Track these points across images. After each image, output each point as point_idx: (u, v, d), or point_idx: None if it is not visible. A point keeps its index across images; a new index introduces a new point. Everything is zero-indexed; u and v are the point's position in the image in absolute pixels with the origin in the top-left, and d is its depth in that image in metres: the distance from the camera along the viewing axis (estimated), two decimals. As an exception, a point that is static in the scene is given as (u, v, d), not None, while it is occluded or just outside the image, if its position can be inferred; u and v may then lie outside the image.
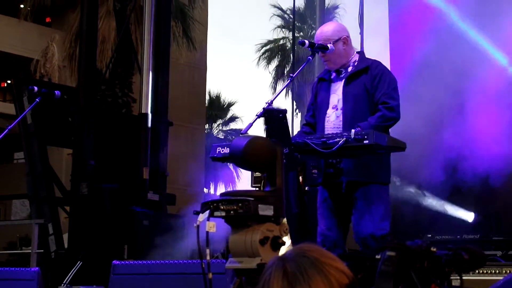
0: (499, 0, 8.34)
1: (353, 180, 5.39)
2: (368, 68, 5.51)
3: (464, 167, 8.05)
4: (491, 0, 8.43)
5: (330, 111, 5.58)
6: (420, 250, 2.06)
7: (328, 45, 5.51)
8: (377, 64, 5.58)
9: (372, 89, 5.44)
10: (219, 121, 42.89)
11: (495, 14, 8.12)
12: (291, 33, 39.10)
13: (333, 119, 5.55)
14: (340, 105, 5.53)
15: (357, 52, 5.71)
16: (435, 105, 8.07)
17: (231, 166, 38.11)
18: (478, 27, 8.18)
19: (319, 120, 5.63)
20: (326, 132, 5.45)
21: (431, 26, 8.58)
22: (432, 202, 8.55)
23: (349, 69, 5.61)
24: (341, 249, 5.53)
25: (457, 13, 8.30)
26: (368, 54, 5.77)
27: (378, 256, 2.01)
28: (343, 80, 5.58)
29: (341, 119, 5.48)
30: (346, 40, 5.62)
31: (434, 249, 2.20)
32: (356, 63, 5.60)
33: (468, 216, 8.52)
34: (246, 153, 3.95)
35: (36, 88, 7.38)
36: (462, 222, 8.42)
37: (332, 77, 5.69)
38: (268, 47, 41.29)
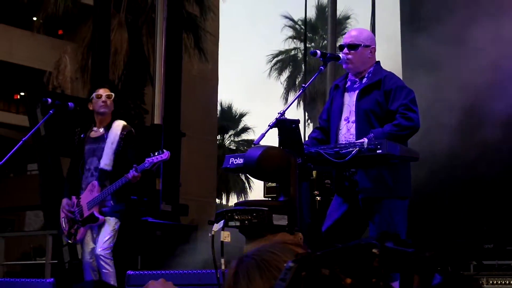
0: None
1: (369, 197, 5.37)
2: (381, 83, 5.47)
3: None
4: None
5: (342, 124, 5.56)
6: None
7: (360, 45, 5.52)
8: (390, 77, 5.53)
9: (387, 103, 5.40)
10: (231, 132, 42.92)
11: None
12: (302, 43, 39.18)
13: (344, 132, 5.54)
14: (352, 118, 5.52)
15: (375, 62, 5.70)
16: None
17: (243, 176, 38.16)
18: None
19: (332, 129, 5.63)
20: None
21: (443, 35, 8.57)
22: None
23: (364, 80, 5.59)
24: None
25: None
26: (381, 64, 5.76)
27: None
28: (356, 92, 5.57)
29: (352, 132, 5.47)
30: (373, 51, 5.63)
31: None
32: (371, 75, 5.59)
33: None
34: (261, 163, 3.98)
35: (50, 100, 7.42)
36: (477, 230, 8.39)
37: (347, 85, 5.68)
38: (279, 57, 41.37)
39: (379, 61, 5.68)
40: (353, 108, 5.52)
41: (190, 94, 22.54)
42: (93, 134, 7.00)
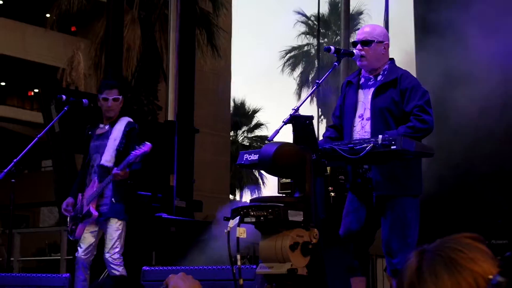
0: None
1: (383, 194, 5.37)
2: (397, 81, 5.46)
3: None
4: None
5: (356, 121, 5.55)
6: None
7: (373, 40, 5.52)
8: (406, 76, 5.51)
9: (402, 102, 5.39)
10: (244, 128, 42.92)
11: None
12: (315, 39, 39.14)
13: (358, 129, 5.52)
14: (366, 115, 5.50)
15: (389, 59, 5.70)
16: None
17: (257, 173, 38.17)
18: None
19: (346, 126, 5.62)
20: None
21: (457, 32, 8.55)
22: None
23: (379, 77, 5.59)
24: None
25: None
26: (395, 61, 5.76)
27: None
28: (372, 90, 5.56)
29: (366, 130, 5.46)
30: (387, 47, 5.62)
31: None
32: (386, 72, 5.58)
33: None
34: (276, 160, 3.98)
35: (64, 97, 7.45)
36: (490, 226, 8.37)
37: (361, 82, 5.67)
38: (292, 53, 41.38)
39: (393, 59, 5.67)
40: (368, 106, 5.50)
41: (203, 91, 22.58)
42: (98, 131, 7.05)
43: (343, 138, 5.61)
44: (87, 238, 6.90)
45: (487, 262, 1.74)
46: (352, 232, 5.51)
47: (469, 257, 1.75)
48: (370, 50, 5.54)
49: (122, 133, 6.91)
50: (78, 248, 6.95)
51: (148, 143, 6.64)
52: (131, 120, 7.09)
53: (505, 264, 1.63)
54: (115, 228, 6.77)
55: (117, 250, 6.72)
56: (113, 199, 6.81)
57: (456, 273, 1.73)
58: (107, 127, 7.02)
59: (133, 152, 6.60)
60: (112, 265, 6.72)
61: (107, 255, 6.73)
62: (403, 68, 5.65)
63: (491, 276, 1.65)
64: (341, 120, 5.71)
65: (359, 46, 5.56)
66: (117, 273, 6.63)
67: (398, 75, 5.49)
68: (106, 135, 6.96)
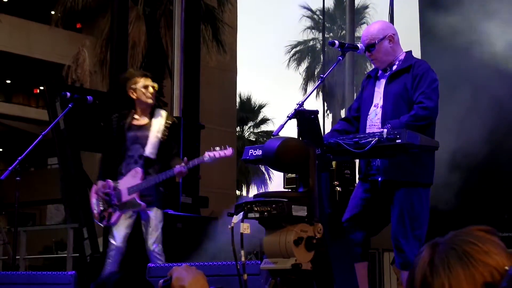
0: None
1: (389, 180, 5.36)
2: (411, 67, 5.47)
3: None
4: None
5: (372, 109, 5.60)
6: None
7: (375, 42, 5.54)
8: (420, 63, 5.54)
9: (412, 89, 5.41)
10: (250, 123, 42.95)
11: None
12: (321, 34, 39.11)
13: (372, 117, 5.56)
14: (380, 103, 5.54)
15: (405, 52, 5.69)
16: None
17: (263, 168, 38.16)
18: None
19: (363, 116, 5.67)
20: (367, 130, 5.48)
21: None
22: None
23: (394, 67, 5.61)
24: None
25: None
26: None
27: None
28: (386, 78, 5.59)
29: (379, 117, 5.48)
30: (392, 38, 5.62)
31: None
32: (401, 62, 5.59)
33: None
34: (279, 155, 3.96)
35: (68, 94, 7.46)
36: (496, 218, 8.34)
37: (378, 74, 5.71)
38: (298, 48, 41.39)
39: (411, 51, 5.69)
40: (382, 93, 5.54)
41: (209, 86, 22.57)
42: (136, 122, 7.09)
43: (353, 130, 5.67)
44: (122, 227, 6.97)
45: (500, 254, 1.74)
46: (354, 216, 5.52)
47: (482, 250, 1.74)
48: (376, 51, 5.58)
49: (164, 126, 7.00)
50: (114, 237, 6.98)
51: (230, 148, 6.78)
52: (167, 112, 7.19)
53: None
54: (159, 219, 6.90)
55: (159, 241, 6.86)
56: (158, 190, 6.92)
57: (470, 266, 1.72)
58: (146, 118, 7.09)
59: (210, 154, 6.74)
60: (155, 256, 6.82)
61: (153, 247, 6.83)
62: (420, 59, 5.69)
63: (507, 267, 1.65)
64: (357, 112, 5.77)
65: (367, 53, 5.61)
66: (160, 263, 6.68)
67: (412, 62, 5.53)
68: (147, 127, 7.02)
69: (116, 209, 6.97)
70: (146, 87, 7.04)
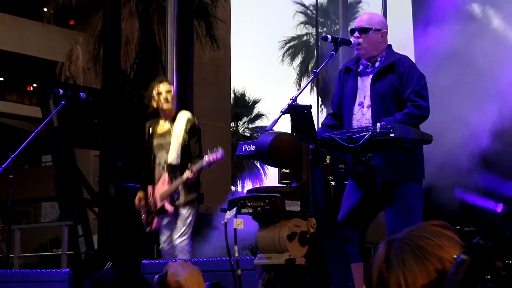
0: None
1: (387, 181, 5.36)
2: (395, 65, 5.45)
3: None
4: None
5: (356, 109, 5.54)
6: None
7: (371, 28, 5.52)
8: (403, 60, 5.51)
9: (400, 87, 5.38)
10: (245, 119, 42.90)
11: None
12: (314, 29, 39.08)
13: (359, 117, 5.52)
14: (366, 103, 5.49)
15: (386, 47, 5.66)
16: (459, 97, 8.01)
17: (257, 163, 38.18)
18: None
19: (346, 114, 5.61)
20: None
21: (456, 18, 8.51)
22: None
23: (376, 64, 5.57)
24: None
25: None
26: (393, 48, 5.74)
27: None
28: (370, 77, 5.54)
29: (367, 117, 5.45)
30: (384, 35, 5.62)
31: None
32: (383, 58, 5.56)
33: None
34: (272, 150, 3.96)
35: (61, 91, 7.44)
36: (491, 212, 8.34)
37: (359, 69, 5.64)
38: (291, 43, 41.33)
39: (390, 45, 5.66)
40: (368, 93, 5.50)
41: (203, 82, 22.55)
42: (159, 129, 7.26)
43: (342, 126, 5.61)
44: (163, 231, 7.23)
45: (454, 248, 1.77)
46: (349, 217, 5.52)
47: (437, 244, 1.78)
48: (367, 37, 5.54)
49: (184, 130, 7.11)
50: (160, 240, 7.26)
51: (221, 150, 6.92)
52: (190, 115, 7.28)
53: (469, 243, 1.64)
54: (185, 216, 7.06)
55: (186, 236, 7.03)
56: (185, 189, 7.08)
57: (424, 259, 1.75)
58: (167, 124, 7.23)
59: (206, 159, 6.88)
60: (178, 250, 7.01)
61: (177, 242, 7.03)
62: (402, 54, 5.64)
63: (455, 256, 1.67)
64: (340, 108, 5.70)
65: (356, 34, 5.57)
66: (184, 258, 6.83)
67: (395, 59, 5.50)
68: (168, 133, 7.18)
69: (154, 215, 7.22)
70: (159, 93, 7.16)
